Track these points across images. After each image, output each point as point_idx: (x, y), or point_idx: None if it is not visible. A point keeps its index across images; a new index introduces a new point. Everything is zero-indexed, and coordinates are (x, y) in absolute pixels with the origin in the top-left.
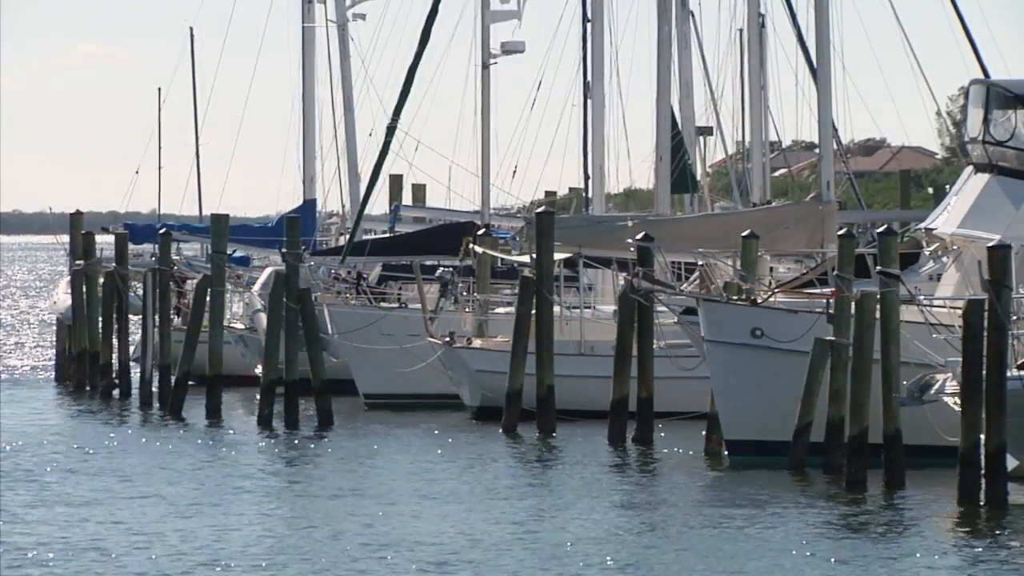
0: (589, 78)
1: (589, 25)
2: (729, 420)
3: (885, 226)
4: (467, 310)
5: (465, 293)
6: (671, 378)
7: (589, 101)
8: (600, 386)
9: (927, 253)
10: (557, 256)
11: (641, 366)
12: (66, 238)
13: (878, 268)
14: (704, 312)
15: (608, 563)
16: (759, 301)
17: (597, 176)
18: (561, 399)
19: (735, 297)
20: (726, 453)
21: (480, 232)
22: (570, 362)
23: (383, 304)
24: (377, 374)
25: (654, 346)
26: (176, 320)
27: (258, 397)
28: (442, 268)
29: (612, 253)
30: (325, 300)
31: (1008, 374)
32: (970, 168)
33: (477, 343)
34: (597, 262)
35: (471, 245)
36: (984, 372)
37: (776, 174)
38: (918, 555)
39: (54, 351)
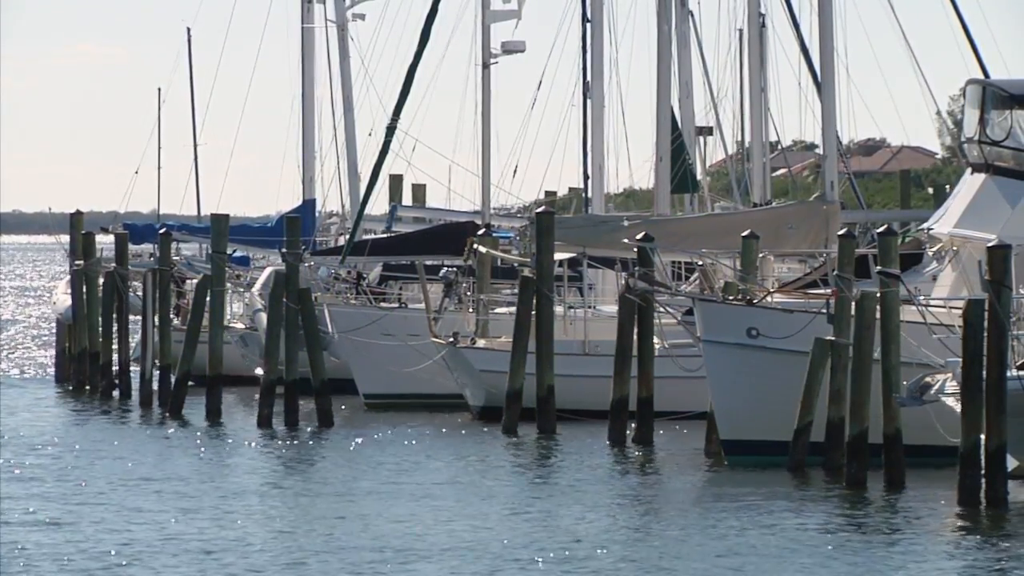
0: (589, 78)
1: (588, 25)
2: (725, 420)
3: (885, 226)
4: (470, 310)
5: (469, 293)
6: (674, 378)
7: (589, 101)
8: (604, 386)
9: (930, 253)
10: (561, 256)
11: (641, 366)
12: (66, 238)
13: (878, 268)
14: (700, 312)
15: (607, 563)
16: (755, 301)
17: (597, 176)
18: (565, 399)
19: (731, 297)
20: (724, 453)
21: (480, 232)
22: (573, 362)
23: (383, 304)
24: (377, 374)
25: (656, 346)
26: (176, 320)
27: (258, 397)
28: (446, 268)
29: (616, 253)
30: (325, 300)
31: (1008, 374)
32: (970, 168)
33: (481, 343)
34: (601, 262)
35: (475, 245)
36: (984, 372)
37: (776, 174)
38: (918, 555)
39: (54, 351)
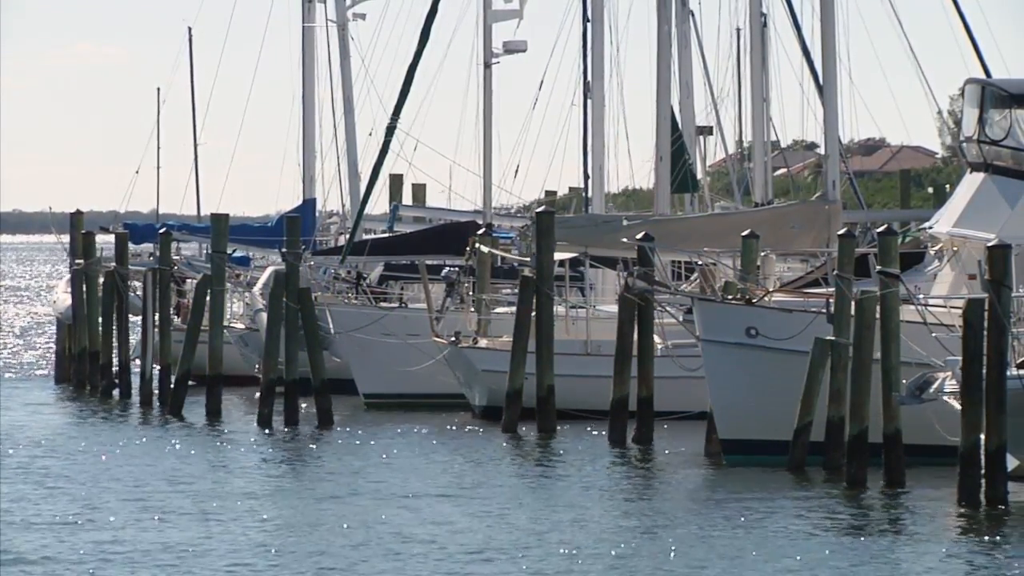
0: (589, 78)
1: (589, 25)
2: (724, 420)
3: (885, 226)
4: (471, 310)
5: (471, 293)
6: (676, 378)
7: (589, 101)
8: (606, 386)
9: (932, 253)
10: (563, 256)
11: (641, 366)
12: (66, 237)
13: (878, 268)
14: (699, 311)
15: (607, 563)
16: (754, 301)
17: (597, 176)
18: (568, 398)
19: (730, 296)
20: (722, 452)
21: (480, 232)
22: (575, 362)
23: (383, 304)
24: (377, 374)
25: (659, 346)
26: (176, 320)
27: (258, 397)
28: (448, 268)
29: (619, 253)
30: (325, 300)
31: (1008, 374)
32: (970, 168)
33: (483, 343)
34: (602, 262)
35: (477, 245)
36: (984, 372)
37: (775, 174)
38: (918, 555)
39: (54, 351)
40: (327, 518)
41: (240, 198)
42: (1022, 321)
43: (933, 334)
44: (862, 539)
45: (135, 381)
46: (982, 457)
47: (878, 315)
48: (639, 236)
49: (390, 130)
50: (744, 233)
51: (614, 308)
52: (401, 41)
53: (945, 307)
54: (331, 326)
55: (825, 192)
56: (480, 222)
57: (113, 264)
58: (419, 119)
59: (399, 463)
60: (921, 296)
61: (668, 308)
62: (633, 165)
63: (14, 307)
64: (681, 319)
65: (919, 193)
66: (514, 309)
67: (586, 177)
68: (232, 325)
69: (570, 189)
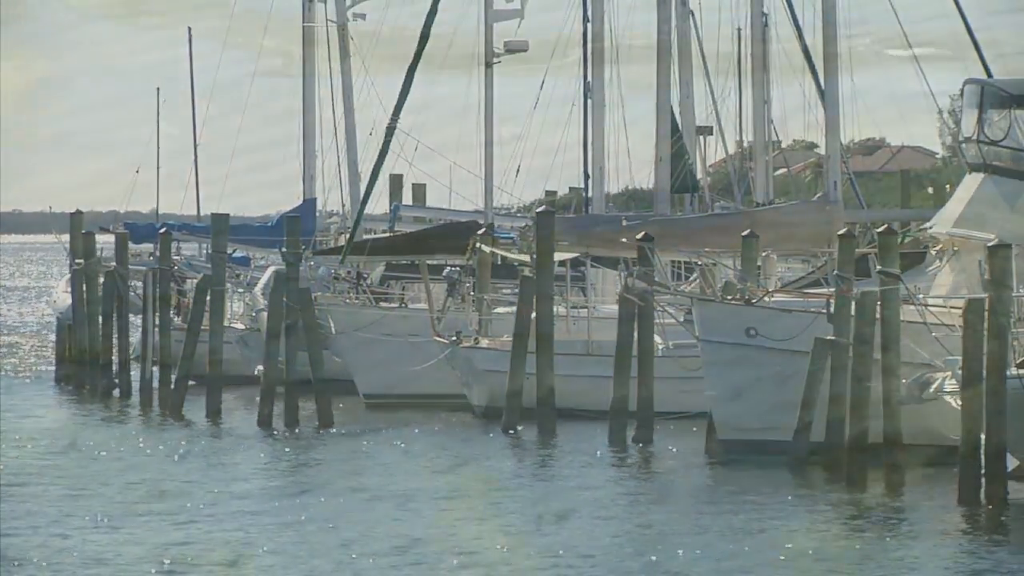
0: (589, 78)
1: (589, 25)
2: (723, 420)
3: (885, 226)
4: (472, 309)
5: (471, 292)
6: (676, 378)
7: (589, 101)
8: (607, 386)
9: (932, 253)
10: (563, 256)
11: (641, 366)
12: (66, 237)
13: (878, 268)
14: (698, 311)
15: (607, 563)
16: (753, 301)
17: (597, 176)
18: (568, 399)
19: (730, 296)
20: (722, 452)
21: (480, 232)
22: (575, 362)
23: (383, 304)
24: (377, 374)
25: (659, 346)
26: (176, 320)
27: (258, 397)
28: (449, 268)
29: (619, 253)
30: (326, 300)
31: (1008, 374)
32: (969, 168)
33: (484, 343)
34: (603, 262)
35: (477, 244)
36: (984, 372)
37: (775, 174)
38: (918, 555)
39: (54, 351)
40: (327, 518)
41: (240, 198)
42: (1022, 321)
43: (933, 334)
44: (862, 539)
45: (135, 381)
46: (982, 457)
47: (878, 315)
48: (639, 236)
49: (390, 130)
50: (744, 233)
51: (614, 308)
52: (401, 41)
53: (945, 307)
54: (331, 326)
55: (826, 192)
56: (480, 222)
57: (113, 264)
58: (419, 119)
59: (398, 463)
60: (921, 296)
61: (668, 308)
62: (633, 165)
63: (11, 307)
64: (681, 319)
65: (919, 193)
66: (514, 309)
67: (586, 177)
68: (232, 325)
69: (570, 189)
